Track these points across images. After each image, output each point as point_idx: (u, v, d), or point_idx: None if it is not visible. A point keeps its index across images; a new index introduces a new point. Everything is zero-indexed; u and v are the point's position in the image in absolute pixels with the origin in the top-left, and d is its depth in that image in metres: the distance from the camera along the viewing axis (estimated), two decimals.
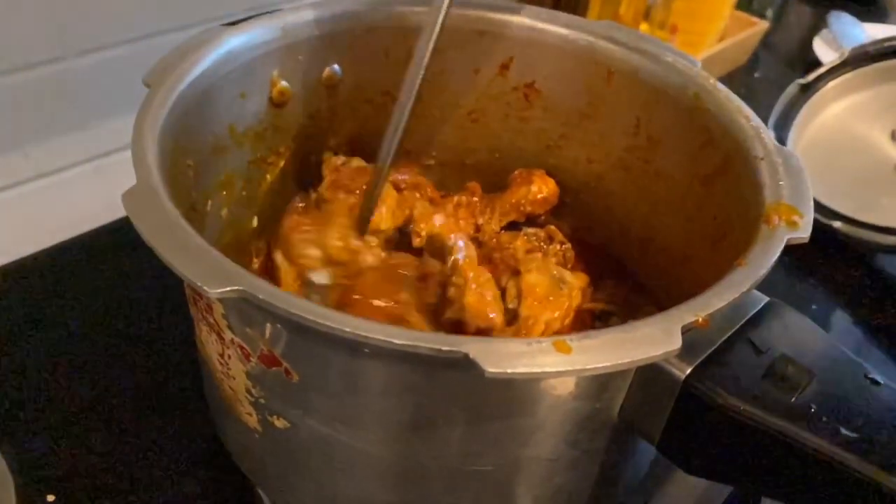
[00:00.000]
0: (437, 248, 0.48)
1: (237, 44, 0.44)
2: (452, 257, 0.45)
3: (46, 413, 0.51)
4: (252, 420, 0.39)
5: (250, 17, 0.45)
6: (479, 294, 0.43)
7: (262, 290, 0.29)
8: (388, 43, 0.51)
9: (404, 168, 0.53)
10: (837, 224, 0.72)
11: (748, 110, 0.43)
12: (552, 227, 0.53)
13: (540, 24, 0.50)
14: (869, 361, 0.34)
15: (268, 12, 0.46)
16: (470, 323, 0.43)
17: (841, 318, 0.70)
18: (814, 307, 0.69)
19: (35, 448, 0.49)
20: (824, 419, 0.31)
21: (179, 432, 0.50)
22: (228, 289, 0.29)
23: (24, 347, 0.55)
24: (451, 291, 0.44)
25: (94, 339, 0.56)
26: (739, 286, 0.32)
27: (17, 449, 0.48)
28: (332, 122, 0.52)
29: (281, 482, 0.42)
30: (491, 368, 0.27)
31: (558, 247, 0.51)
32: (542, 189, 0.54)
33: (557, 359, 0.28)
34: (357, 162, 0.51)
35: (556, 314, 0.44)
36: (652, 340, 0.29)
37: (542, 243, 0.51)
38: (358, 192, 0.47)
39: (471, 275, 0.44)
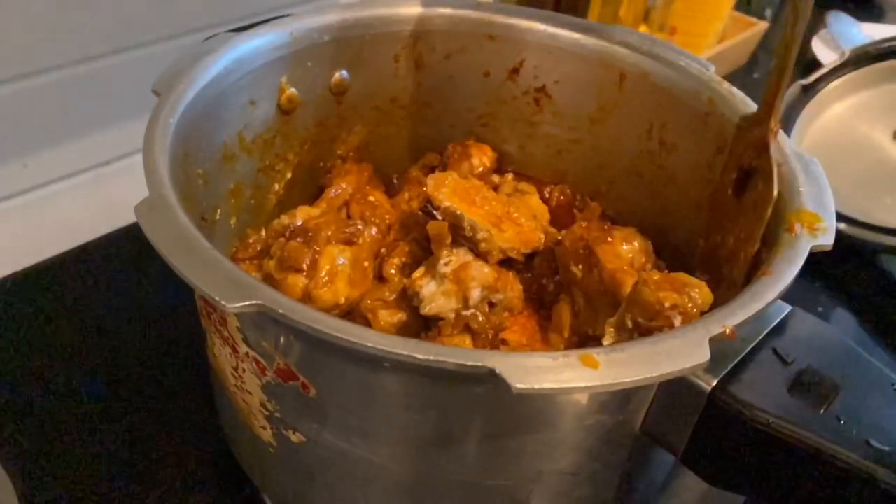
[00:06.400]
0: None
1: (246, 51, 0.43)
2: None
3: (50, 426, 0.50)
4: (266, 434, 0.38)
5: (258, 23, 0.44)
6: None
7: (281, 304, 0.29)
8: (398, 49, 0.50)
9: (348, 175, 0.52)
10: (841, 226, 0.72)
11: None
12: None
13: (551, 29, 0.49)
14: None
15: (276, 18, 0.45)
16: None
17: (846, 320, 0.70)
18: (819, 309, 0.69)
19: (39, 461, 0.48)
20: (853, 431, 0.30)
21: (188, 445, 0.49)
22: (246, 303, 0.28)
23: (24, 359, 0.54)
24: None
25: (97, 351, 0.55)
26: (766, 296, 0.31)
27: (21, 461, 0.47)
28: (340, 129, 0.52)
29: (295, 497, 0.41)
30: (518, 384, 0.27)
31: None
32: (482, 161, 0.53)
33: (585, 373, 0.27)
34: (303, 213, 0.45)
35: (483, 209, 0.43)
36: (680, 353, 0.29)
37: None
38: (305, 268, 0.41)
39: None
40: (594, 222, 0.45)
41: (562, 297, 0.45)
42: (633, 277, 0.40)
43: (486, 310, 0.42)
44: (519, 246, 0.44)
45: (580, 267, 0.43)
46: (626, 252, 0.42)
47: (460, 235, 0.42)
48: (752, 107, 0.43)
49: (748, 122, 0.41)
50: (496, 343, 0.43)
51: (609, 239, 0.42)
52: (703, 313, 0.34)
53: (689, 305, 0.34)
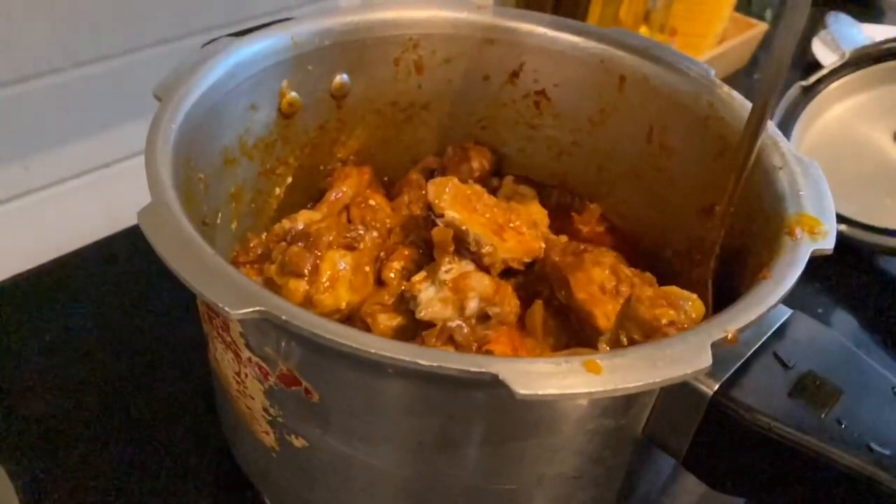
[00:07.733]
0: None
1: (247, 55, 0.43)
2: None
3: (49, 430, 0.50)
4: (269, 439, 0.38)
5: (259, 27, 0.44)
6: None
7: (285, 310, 0.29)
8: (398, 52, 0.50)
9: (349, 179, 0.52)
10: (841, 227, 0.72)
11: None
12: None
13: (551, 32, 0.49)
14: None
15: (277, 21, 0.45)
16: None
17: (845, 322, 0.70)
18: (819, 311, 0.69)
19: (39, 465, 0.48)
20: (854, 435, 0.30)
21: (189, 449, 0.49)
22: (250, 310, 0.28)
23: (26, 362, 0.54)
24: None
25: (98, 354, 0.55)
26: (767, 300, 0.32)
27: (21, 466, 0.47)
28: (341, 133, 0.52)
29: (297, 501, 0.41)
30: (522, 390, 0.27)
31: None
32: (482, 163, 0.53)
33: (588, 379, 0.28)
34: (304, 217, 0.45)
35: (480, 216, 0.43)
36: (683, 358, 0.29)
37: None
38: (307, 273, 0.41)
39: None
40: (569, 245, 0.45)
41: (535, 302, 0.45)
42: (602, 305, 0.40)
43: (473, 322, 0.42)
44: (521, 255, 0.44)
45: (563, 293, 0.43)
46: (597, 274, 0.42)
47: (464, 248, 0.42)
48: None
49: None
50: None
51: (581, 265, 0.42)
52: None
53: (685, 321, 0.34)
